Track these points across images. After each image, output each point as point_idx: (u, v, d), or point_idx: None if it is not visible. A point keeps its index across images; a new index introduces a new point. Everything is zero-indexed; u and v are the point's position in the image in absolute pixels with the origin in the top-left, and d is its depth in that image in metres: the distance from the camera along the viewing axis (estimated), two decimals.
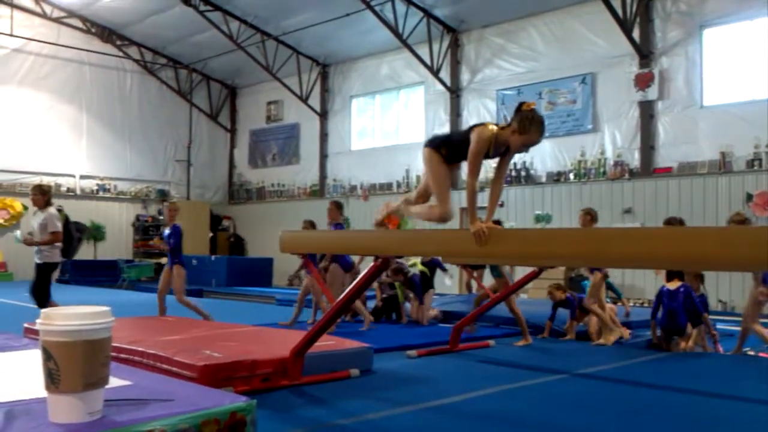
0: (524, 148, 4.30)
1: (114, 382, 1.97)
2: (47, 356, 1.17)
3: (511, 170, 15.21)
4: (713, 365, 6.76)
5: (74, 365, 1.16)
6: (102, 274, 18.61)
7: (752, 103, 12.23)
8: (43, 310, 1.22)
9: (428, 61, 16.12)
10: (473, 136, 4.32)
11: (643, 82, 13.31)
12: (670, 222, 7.77)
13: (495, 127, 4.31)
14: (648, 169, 13.29)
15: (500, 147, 4.31)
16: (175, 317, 8.56)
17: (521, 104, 4.26)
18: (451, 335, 7.37)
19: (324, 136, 19.76)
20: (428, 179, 4.75)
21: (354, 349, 6.06)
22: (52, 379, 1.35)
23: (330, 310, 5.52)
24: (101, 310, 1.18)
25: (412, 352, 6.94)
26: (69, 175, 19.81)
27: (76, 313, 1.17)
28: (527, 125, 4.16)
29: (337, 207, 8.96)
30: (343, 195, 18.73)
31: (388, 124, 18.56)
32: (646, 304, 12.71)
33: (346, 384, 5.57)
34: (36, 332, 6.20)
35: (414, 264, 9.71)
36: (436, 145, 4.59)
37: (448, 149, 4.55)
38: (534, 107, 4.25)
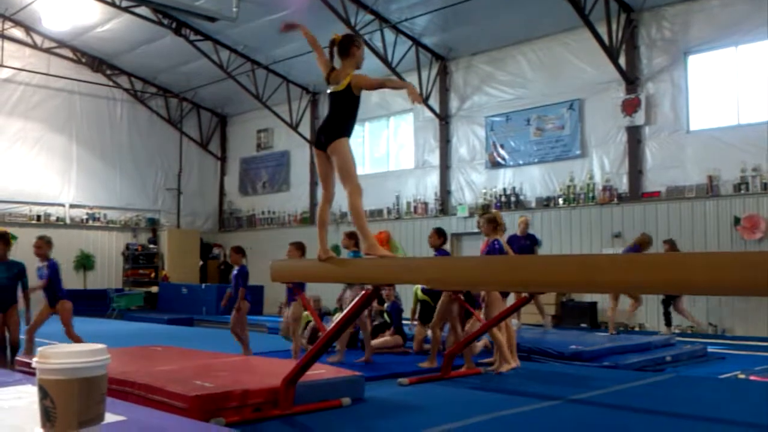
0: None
1: (109, 417, 1.97)
2: (43, 394, 1.18)
3: (500, 195, 15.30)
4: (708, 389, 6.76)
5: (70, 403, 1.16)
6: (92, 304, 18.46)
7: (738, 128, 12.37)
8: (39, 349, 1.22)
9: (417, 89, 16.22)
10: (343, 154, 4.90)
11: (630, 107, 13.46)
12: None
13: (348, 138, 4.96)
14: (636, 193, 13.39)
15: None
16: (164, 347, 8.51)
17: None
18: (443, 362, 7.36)
19: (314, 164, 19.78)
20: (332, 173, 5.07)
21: (345, 378, 6.04)
22: (48, 417, 1.35)
23: (321, 339, 5.51)
24: (97, 347, 1.18)
25: (404, 380, 6.93)
26: (59, 205, 19.74)
27: (72, 351, 1.18)
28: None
29: (438, 233, 8.44)
30: (333, 222, 18.73)
31: (377, 151, 18.65)
32: (637, 329, 12.74)
33: (338, 413, 5.55)
34: (27, 365, 6.16)
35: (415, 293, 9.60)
36: (348, 132, 5.00)
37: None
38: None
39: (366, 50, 16.56)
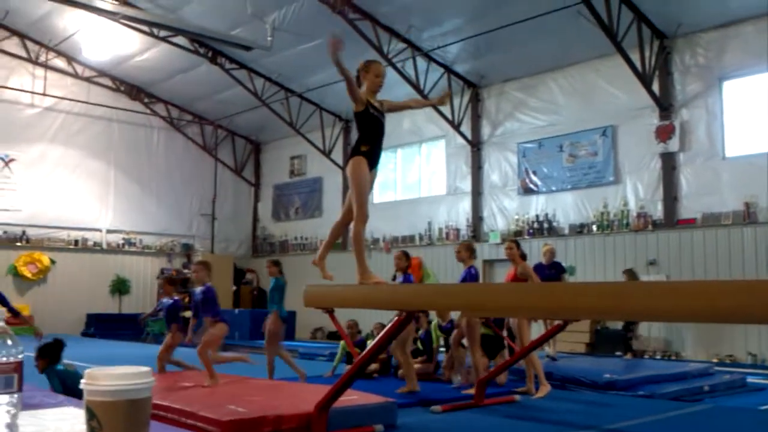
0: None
1: None
2: (90, 415, 1.22)
3: (533, 221, 15.23)
4: (748, 421, 6.61)
5: (117, 425, 1.20)
6: (126, 328, 18.70)
7: None
8: (87, 370, 1.27)
9: (449, 116, 16.32)
10: (350, 174, 5.10)
11: (664, 134, 13.35)
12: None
13: (362, 157, 5.13)
14: (671, 220, 13.24)
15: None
16: (197, 370, 8.58)
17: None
18: (476, 389, 7.32)
19: (346, 190, 19.87)
20: (351, 192, 5.23)
21: (378, 404, 6.04)
22: None
23: (354, 364, 5.53)
24: (143, 370, 1.22)
25: (437, 407, 6.90)
26: (96, 230, 20.12)
27: (119, 374, 1.22)
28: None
29: (406, 256, 8.51)
30: (365, 247, 18.77)
31: (409, 177, 18.72)
32: (673, 357, 12.53)
33: None
34: None
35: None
36: (358, 151, 5.17)
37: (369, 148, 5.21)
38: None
39: (398, 78, 16.62)
